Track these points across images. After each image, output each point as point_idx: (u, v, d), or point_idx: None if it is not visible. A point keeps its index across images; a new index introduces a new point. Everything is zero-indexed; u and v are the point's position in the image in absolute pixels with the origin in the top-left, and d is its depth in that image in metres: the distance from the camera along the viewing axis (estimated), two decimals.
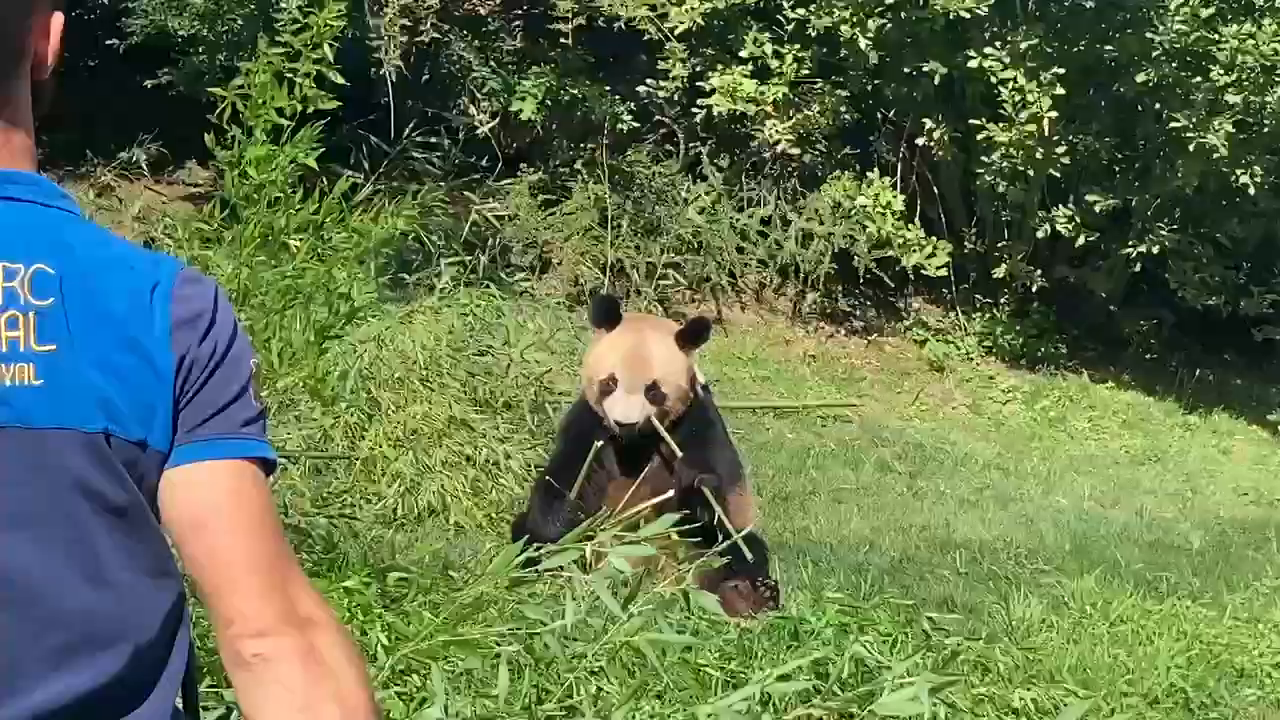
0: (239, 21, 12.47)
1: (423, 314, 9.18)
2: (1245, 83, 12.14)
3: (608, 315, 7.04)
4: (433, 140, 12.79)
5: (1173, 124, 12.37)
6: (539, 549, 5.28)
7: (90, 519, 1.95)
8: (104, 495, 1.96)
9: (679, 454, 6.66)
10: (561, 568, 5.15)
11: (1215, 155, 12.22)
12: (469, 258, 11.13)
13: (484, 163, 13.31)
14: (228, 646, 2.02)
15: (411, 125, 12.63)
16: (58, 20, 2.07)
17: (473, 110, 13.40)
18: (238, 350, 2.07)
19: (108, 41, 12.73)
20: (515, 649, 4.49)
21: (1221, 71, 12.18)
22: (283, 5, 11.72)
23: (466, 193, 12.96)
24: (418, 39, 12.23)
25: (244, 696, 2.03)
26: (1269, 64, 11.97)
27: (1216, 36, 12.10)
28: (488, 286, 9.99)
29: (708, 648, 5.24)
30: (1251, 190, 12.54)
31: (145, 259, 2.05)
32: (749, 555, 6.63)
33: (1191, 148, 12.31)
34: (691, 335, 6.98)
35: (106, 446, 1.95)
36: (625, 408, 6.67)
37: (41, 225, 1.98)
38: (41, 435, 1.93)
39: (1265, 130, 12.43)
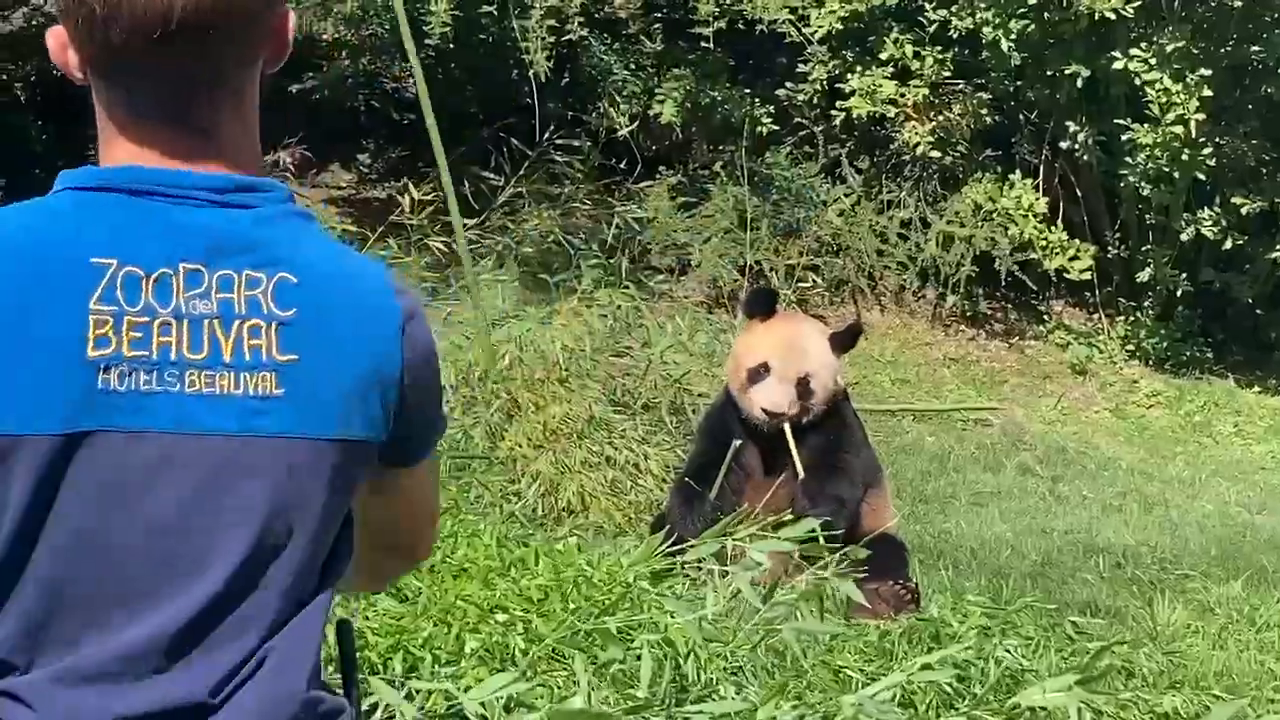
0: (385, 26, 12.62)
1: (563, 315, 9.21)
2: None
3: (765, 305, 6.99)
4: (574, 143, 12.84)
5: None
6: (679, 546, 5.27)
7: (318, 524, 2.02)
8: (332, 502, 2.03)
9: (800, 473, 6.61)
10: (700, 563, 5.14)
11: None
12: (609, 259, 11.19)
13: (623, 165, 13.35)
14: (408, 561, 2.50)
15: (552, 127, 12.69)
16: (290, 13, 2.13)
17: (613, 113, 13.45)
18: (438, 371, 2.18)
19: None
20: (656, 638, 4.48)
21: None
22: (432, 10, 11.89)
23: (607, 195, 13.02)
24: (565, 37, 12.27)
25: None
26: None
27: None
28: (627, 288, 10.00)
29: (848, 648, 5.21)
30: None
31: (377, 275, 2.10)
32: (888, 557, 6.60)
33: None
34: (846, 339, 6.94)
35: (338, 455, 2.00)
36: (775, 396, 6.61)
37: (282, 235, 2.02)
38: (279, 443, 1.97)
39: None
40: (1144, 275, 13.69)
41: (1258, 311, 14.08)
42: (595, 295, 9.57)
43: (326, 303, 2.00)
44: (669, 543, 5.28)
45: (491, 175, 12.10)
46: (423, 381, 2.10)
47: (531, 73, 11.91)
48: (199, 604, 1.94)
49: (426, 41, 12.15)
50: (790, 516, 6.12)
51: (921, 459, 10.67)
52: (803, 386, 6.64)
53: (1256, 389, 13.45)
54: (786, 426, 6.66)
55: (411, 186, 9.91)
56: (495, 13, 12.33)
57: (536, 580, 4.83)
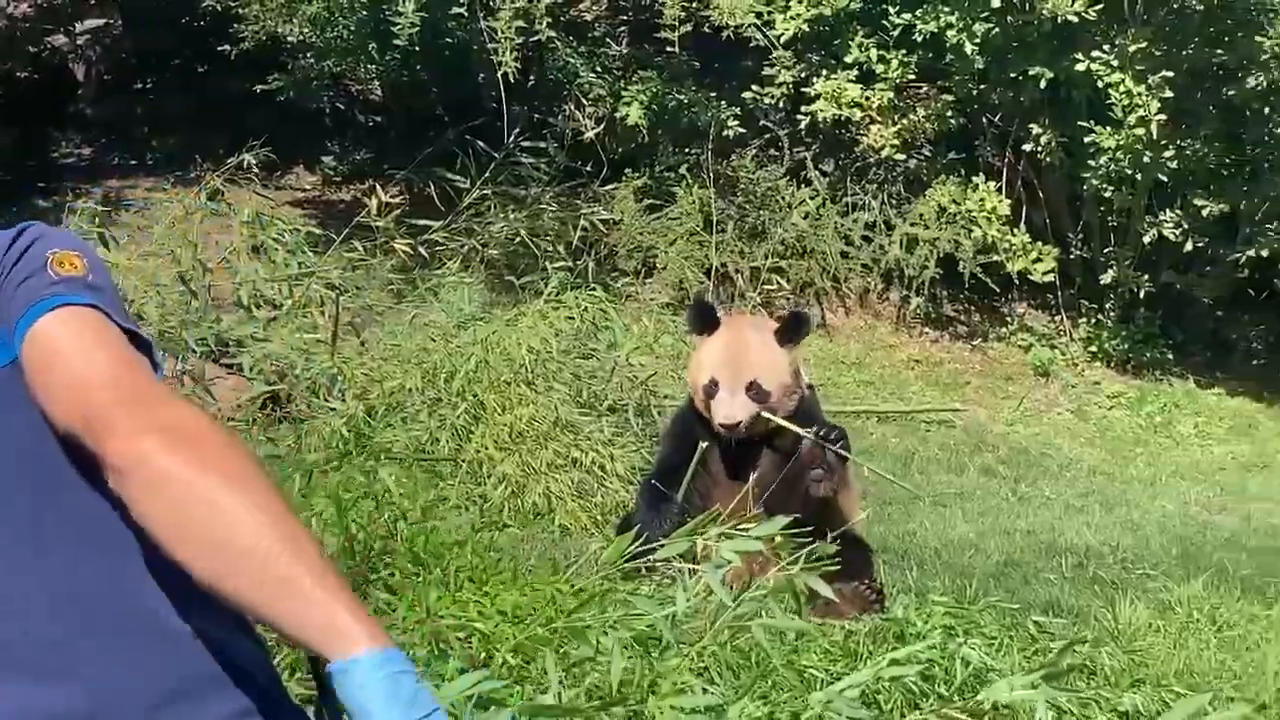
0: (350, 28, 12.61)
1: (529, 317, 9.23)
2: None
3: (705, 320, 7.03)
4: (540, 145, 12.86)
5: None
6: (647, 547, 5.30)
7: None
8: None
9: (804, 434, 6.60)
10: (670, 561, 5.17)
11: None
12: (575, 261, 11.21)
13: (589, 167, 13.37)
14: (106, 465, 2.11)
15: (518, 130, 12.71)
16: None
17: (579, 115, 13.47)
18: (30, 253, 2.26)
19: (219, 47, 12.91)
20: (625, 635, 4.51)
21: None
22: (400, 11, 11.88)
23: (573, 198, 13.04)
24: (533, 39, 12.29)
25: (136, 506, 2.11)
26: None
27: None
28: (594, 290, 10.02)
29: (813, 648, 5.25)
30: None
31: None
32: (854, 557, 6.63)
33: None
34: (789, 330, 6.94)
35: None
36: (729, 409, 6.66)
37: None
38: None
39: None
40: (1106, 277, 13.77)
41: (1218, 313, 14.18)
42: (561, 297, 9.59)
43: None
44: (637, 544, 5.31)
45: (458, 177, 12.11)
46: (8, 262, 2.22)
47: (499, 74, 11.92)
48: None
49: (394, 43, 12.15)
50: (758, 515, 6.17)
51: (885, 460, 10.70)
52: (754, 391, 6.67)
53: (1217, 390, 13.54)
54: (776, 417, 6.68)
55: (379, 188, 9.92)
56: (464, 14, 12.32)
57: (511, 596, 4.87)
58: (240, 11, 12.69)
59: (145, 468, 2.06)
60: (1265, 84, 12.46)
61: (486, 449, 8.24)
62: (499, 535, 7.30)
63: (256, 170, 11.65)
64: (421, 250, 10.24)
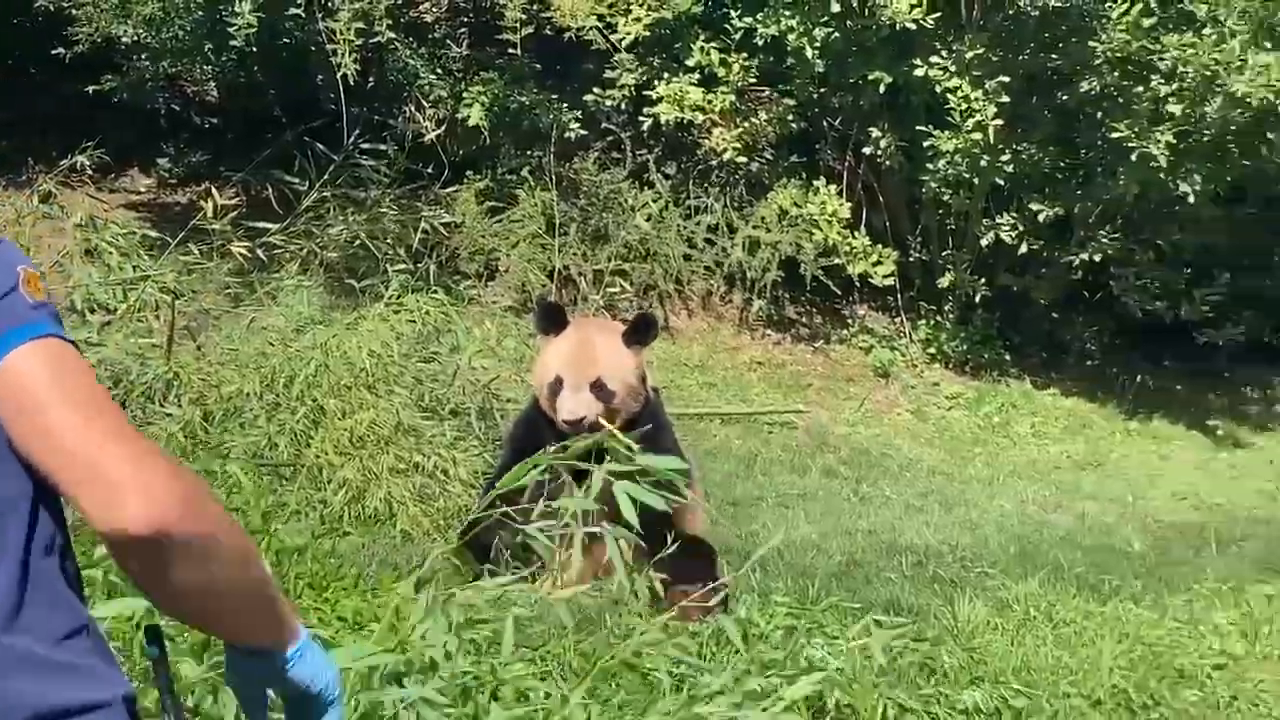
0: (186, 28, 12.41)
1: (369, 321, 9.14)
2: (1185, 92, 12.21)
3: (552, 320, 7.04)
4: (380, 147, 12.74)
5: (1114, 133, 12.42)
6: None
7: None
8: None
9: (634, 447, 6.61)
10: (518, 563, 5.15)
11: (1154, 164, 12.28)
12: (416, 264, 11.12)
13: (430, 169, 13.27)
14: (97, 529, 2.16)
15: (358, 131, 12.58)
16: None
17: (419, 117, 13.38)
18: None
19: (52, 50, 12.65)
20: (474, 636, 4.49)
21: (1162, 81, 12.26)
22: (236, 11, 11.71)
23: (414, 200, 12.93)
24: (373, 40, 12.17)
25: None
26: (1209, 74, 12.02)
27: (1158, 47, 12.17)
28: (435, 293, 9.96)
29: (657, 650, 5.24)
30: (1191, 199, 12.63)
31: None
32: (698, 560, 6.66)
33: (1133, 156, 12.37)
34: (637, 332, 6.97)
35: None
36: (572, 405, 6.67)
37: None
38: None
39: (1205, 139, 12.50)
40: (944, 280, 13.94)
41: (1053, 315, 14.41)
42: (402, 301, 9.51)
43: None
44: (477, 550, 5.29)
45: (296, 180, 11.97)
46: None
47: (338, 76, 11.79)
48: None
49: (231, 44, 11.98)
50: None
51: (729, 462, 10.75)
52: (599, 390, 6.69)
53: (1052, 390, 13.76)
54: (604, 421, 6.67)
55: (215, 191, 9.78)
56: (302, 15, 12.17)
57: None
58: (73, 13, 12.44)
59: (148, 541, 2.13)
60: (1098, 89, 12.69)
61: (326, 454, 8.14)
62: (340, 541, 7.23)
63: (91, 173, 11.43)
64: (259, 253, 10.10)
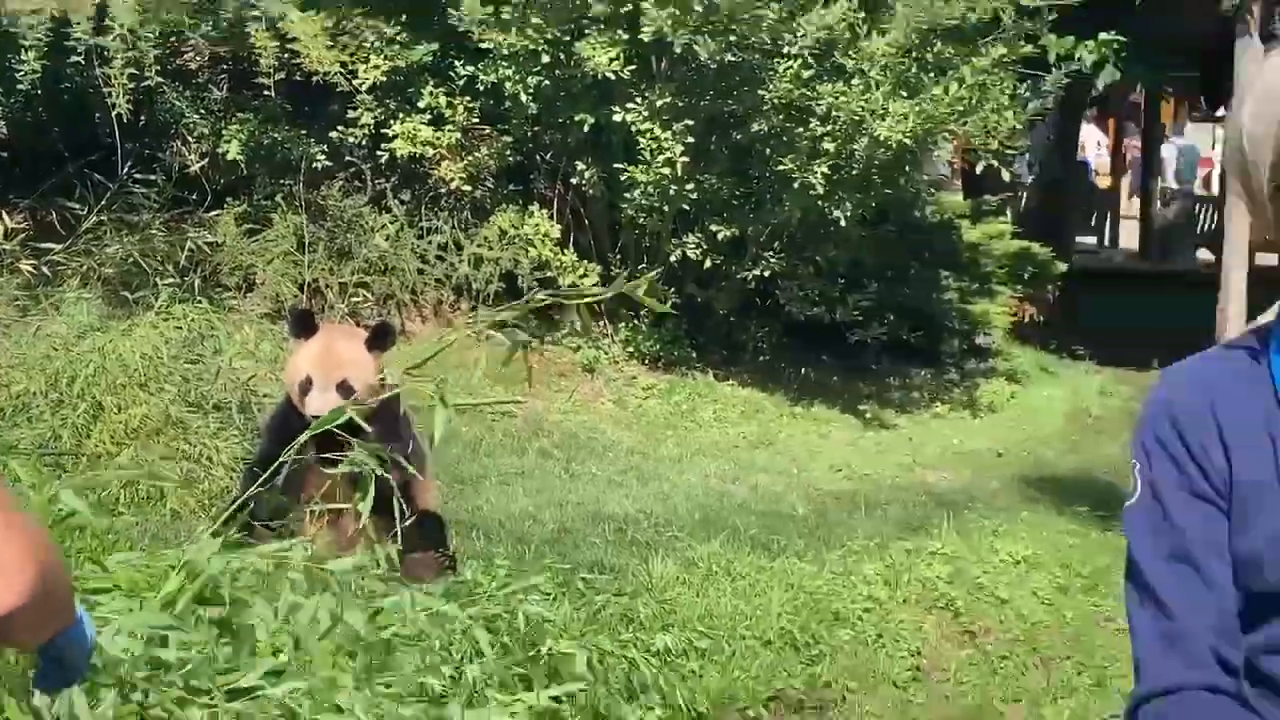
0: None
1: (142, 328, 8.99)
2: (838, 133, 12.60)
3: (303, 326, 7.02)
4: (151, 177, 12.46)
5: (780, 166, 12.75)
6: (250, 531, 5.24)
7: None
8: None
9: (367, 428, 6.62)
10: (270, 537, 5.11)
11: (814, 192, 12.65)
12: (183, 279, 10.95)
13: (195, 197, 13.00)
14: None
15: (131, 164, 12.29)
16: None
17: (185, 151, 13.12)
18: None
19: None
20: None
21: (819, 123, 12.62)
22: (23, 60, 11.36)
23: (181, 223, 12.67)
24: (143, 84, 11.88)
25: None
26: (857, 118, 12.45)
27: (815, 94, 12.52)
28: (200, 304, 9.82)
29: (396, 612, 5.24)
30: (843, 221, 13.04)
31: None
32: (430, 530, 6.70)
33: (796, 186, 12.71)
34: (377, 337, 7.00)
35: None
36: (320, 402, 6.65)
37: None
38: None
39: (854, 172, 12.90)
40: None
41: (731, 320, 14.66)
42: (171, 310, 9.38)
43: None
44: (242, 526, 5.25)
45: (76, 205, 11.65)
46: None
47: (114, 115, 11.50)
48: None
49: (18, 88, 11.63)
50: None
51: (457, 446, 10.76)
52: (344, 389, 6.68)
53: (731, 382, 14.00)
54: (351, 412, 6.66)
55: (4, 215, 9.48)
56: (82, 63, 11.84)
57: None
58: None
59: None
60: (767, 129, 12.98)
61: (105, 444, 8.00)
62: (116, 520, 7.09)
63: None
64: (44, 270, 9.86)
